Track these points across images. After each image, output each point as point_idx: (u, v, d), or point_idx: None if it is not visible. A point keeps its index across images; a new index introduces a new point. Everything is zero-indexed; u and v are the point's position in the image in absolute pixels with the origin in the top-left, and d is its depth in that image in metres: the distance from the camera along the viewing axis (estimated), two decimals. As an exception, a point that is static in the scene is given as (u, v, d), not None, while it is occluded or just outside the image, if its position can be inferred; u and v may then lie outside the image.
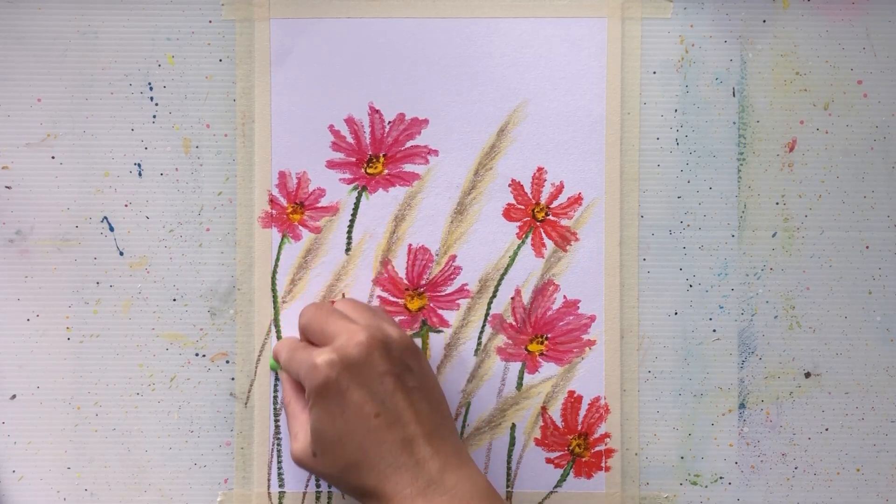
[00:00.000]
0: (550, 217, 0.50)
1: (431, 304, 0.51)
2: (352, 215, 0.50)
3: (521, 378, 0.50)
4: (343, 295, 0.50)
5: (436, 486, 0.42)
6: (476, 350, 0.50)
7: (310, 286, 0.50)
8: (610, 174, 0.50)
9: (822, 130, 0.51)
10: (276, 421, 0.50)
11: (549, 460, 0.50)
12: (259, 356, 0.50)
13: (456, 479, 0.42)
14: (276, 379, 0.50)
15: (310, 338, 0.46)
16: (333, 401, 0.43)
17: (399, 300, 0.51)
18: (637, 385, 0.50)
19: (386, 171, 0.50)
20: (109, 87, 0.50)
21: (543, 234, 0.50)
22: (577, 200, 0.50)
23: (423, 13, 0.50)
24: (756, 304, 0.51)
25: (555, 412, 0.50)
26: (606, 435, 0.50)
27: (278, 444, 0.50)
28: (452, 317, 0.50)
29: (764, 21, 0.51)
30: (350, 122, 0.50)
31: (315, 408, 0.43)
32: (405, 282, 0.51)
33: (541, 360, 0.50)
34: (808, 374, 0.51)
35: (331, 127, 0.50)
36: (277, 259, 0.50)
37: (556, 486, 0.50)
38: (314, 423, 0.43)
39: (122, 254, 0.50)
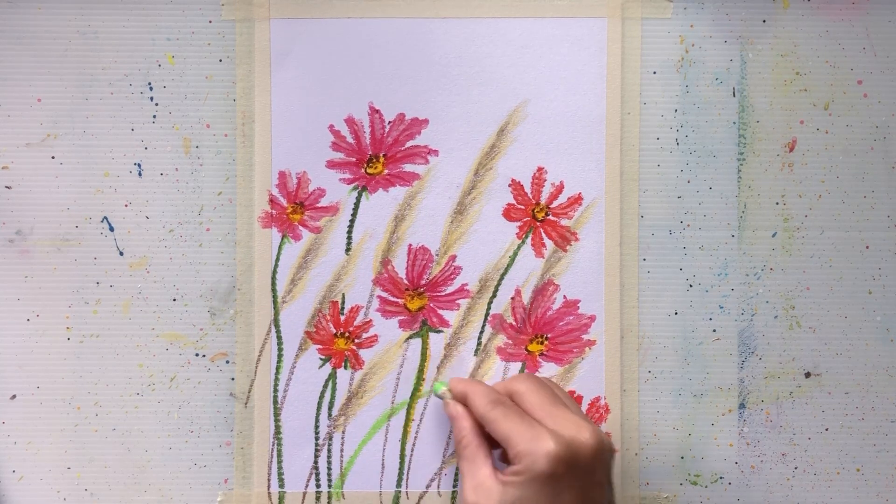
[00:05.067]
0: (550, 217, 0.50)
1: (431, 304, 0.51)
2: (352, 215, 0.50)
3: (521, 378, 0.50)
4: (343, 295, 0.50)
5: None
6: (476, 350, 0.50)
7: (310, 286, 0.50)
8: (610, 174, 0.50)
9: (822, 130, 0.51)
10: (277, 421, 0.50)
11: (549, 460, 0.50)
12: (259, 356, 0.50)
13: None
14: (275, 376, 0.50)
15: (520, 401, 0.44)
16: (546, 493, 0.41)
17: (399, 300, 0.51)
18: (637, 385, 0.50)
19: (386, 171, 0.50)
20: (109, 87, 0.50)
21: (543, 234, 0.50)
22: (577, 200, 0.50)
23: (423, 13, 0.50)
24: (756, 304, 0.51)
25: (555, 412, 0.50)
26: (606, 435, 0.50)
27: (278, 444, 0.50)
28: (452, 317, 0.50)
29: (764, 21, 0.51)
30: (350, 122, 0.50)
31: (522, 488, 0.41)
32: (405, 282, 0.51)
33: (541, 360, 0.50)
34: (808, 374, 0.51)
35: (331, 127, 0.50)
36: (277, 259, 0.50)
37: (556, 486, 0.50)
38: (511, 499, 0.41)
39: (122, 254, 0.50)
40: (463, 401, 0.46)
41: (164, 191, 0.50)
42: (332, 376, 0.50)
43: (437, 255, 0.50)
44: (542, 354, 0.50)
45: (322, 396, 0.50)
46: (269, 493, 0.50)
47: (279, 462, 0.50)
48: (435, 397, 0.50)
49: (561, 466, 0.40)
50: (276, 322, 0.50)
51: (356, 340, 0.50)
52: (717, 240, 0.51)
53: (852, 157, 0.51)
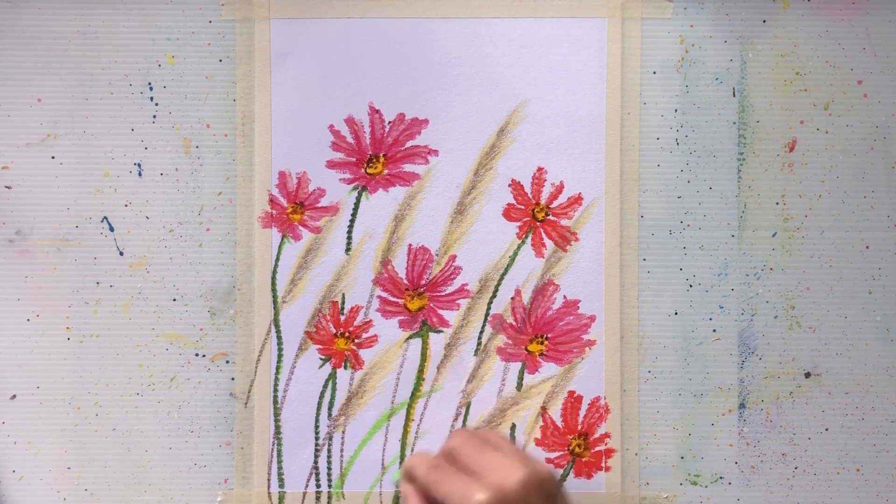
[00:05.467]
0: (550, 217, 0.50)
1: (431, 304, 0.51)
2: (352, 215, 0.50)
3: (521, 378, 0.50)
4: (343, 295, 0.50)
5: None
6: (476, 350, 0.50)
7: (310, 286, 0.50)
8: (610, 174, 0.50)
9: (822, 130, 0.51)
10: (277, 421, 0.50)
11: (549, 460, 0.50)
12: (259, 356, 0.50)
13: None
14: (275, 376, 0.50)
15: (456, 461, 0.45)
16: None
17: (399, 300, 0.51)
18: (637, 385, 0.50)
19: (386, 171, 0.50)
20: (109, 87, 0.50)
21: (543, 234, 0.50)
22: (577, 200, 0.50)
23: (423, 13, 0.50)
24: (756, 304, 0.51)
25: (555, 412, 0.50)
26: (606, 435, 0.50)
27: (278, 444, 0.50)
28: (452, 317, 0.50)
29: (764, 21, 0.51)
30: (350, 122, 0.50)
31: None
32: (405, 282, 0.51)
33: (541, 360, 0.50)
34: (808, 374, 0.51)
35: (331, 127, 0.50)
36: (277, 259, 0.50)
37: (556, 486, 0.50)
38: None
39: (122, 254, 0.50)
40: (410, 477, 0.46)
41: (164, 191, 0.50)
42: (332, 376, 0.50)
43: (437, 255, 0.50)
44: (542, 354, 0.50)
45: (322, 396, 0.50)
46: (269, 493, 0.50)
47: (279, 462, 0.50)
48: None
49: None
50: (276, 322, 0.50)
51: (356, 340, 0.50)
52: (717, 240, 0.51)
53: (852, 157, 0.51)
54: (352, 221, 0.50)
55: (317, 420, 0.50)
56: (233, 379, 0.50)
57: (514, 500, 0.41)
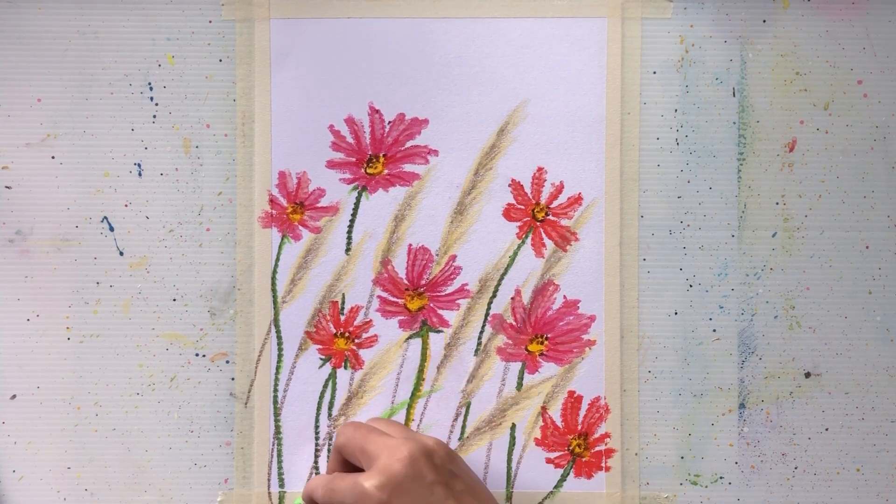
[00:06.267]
0: (550, 217, 0.50)
1: (431, 304, 0.51)
2: (352, 215, 0.50)
3: (521, 378, 0.50)
4: (343, 295, 0.50)
5: None
6: (476, 350, 0.50)
7: (310, 286, 0.50)
8: (610, 174, 0.50)
9: (822, 130, 0.51)
10: (277, 421, 0.50)
11: (549, 460, 0.50)
12: (259, 356, 0.50)
13: None
14: (275, 376, 0.50)
15: (348, 458, 0.46)
16: None
17: (399, 300, 0.51)
18: (637, 385, 0.50)
19: (386, 171, 0.50)
20: (109, 87, 0.50)
21: (543, 234, 0.50)
22: (577, 200, 0.50)
23: (423, 13, 0.50)
24: (756, 304, 0.51)
25: (555, 412, 0.50)
26: (606, 435, 0.50)
27: (278, 444, 0.50)
28: (452, 317, 0.50)
29: (764, 21, 0.51)
30: (350, 122, 0.50)
31: None
32: (405, 282, 0.51)
33: (541, 360, 0.50)
34: (808, 374, 0.51)
35: (331, 127, 0.50)
36: (277, 259, 0.50)
37: (556, 486, 0.50)
38: None
39: (122, 254, 0.50)
40: (310, 499, 0.46)
41: (164, 191, 0.50)
42: (332, 376, 0.50)
43: (437, 255, 0.50)
44: (542, 354, 0.50)
45: (322, 396, 0.50)
46: (269, 493, 0.50)
47: (279, 462, 0.50)
48: None
49: (384, 494, 0.42)
50: (276, 322, 0.50)
51: (356, 340, 0.50)
52: (717, 240, 0.51)
53: (852, 157, 0.51)
54: (352, 221, 0.50)
55: (317, 420, 0.50)
56: (233, 379, 0.50)
57: (403, 477, 0.42)
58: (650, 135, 0.50)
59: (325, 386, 0.50)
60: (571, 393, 0.50)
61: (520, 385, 0.50)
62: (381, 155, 0.50)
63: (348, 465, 0.46)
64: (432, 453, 0.44)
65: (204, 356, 0.50)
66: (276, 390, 0.50)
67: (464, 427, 0.50)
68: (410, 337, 0.51)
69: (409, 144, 0.50)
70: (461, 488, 0.44)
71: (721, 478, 0.51)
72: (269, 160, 0.50)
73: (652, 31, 0.50)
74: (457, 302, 0.50)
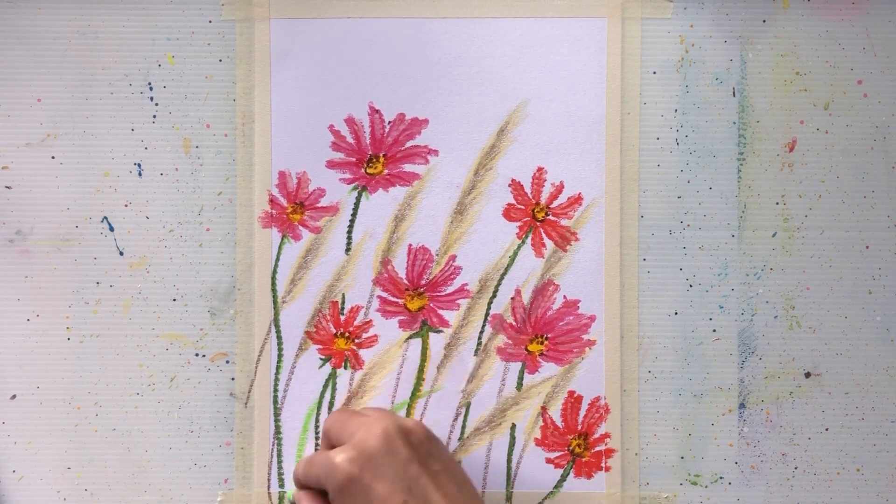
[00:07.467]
0: (550, 217, 0.50)
1: (431, 304, 0.51)
2: (352, 215, 0.50)
3: (521, 378, 0.50)
4: (343, 295, 0.50)
5: None
6: (476, 350, 0.50)
7: (310, 286, 0.50)
8: (610, 174, 0.50)
9: (822, 130, 0.51)
10: (277, 421, 0.50)
11: (549, 460, 0.50)
12: (259, 356, 0.50)
13: None
14: (275, 376, 0.50)
15: (332, 442, 0.46)
16: (359, 497, 0.42)
17: (399, 300, 0.51)
18: (637, 385, 0.50)
19: (386, 171, 0.51)
20: (109, 87, 0.50)
21: (543, 234, 0.50)
22: (577, 200, 0.50)
23: (423, 13, 0.50)
24: (756, 304, 0.51)
25: (555, 412, 0.50)
26: (606, 435, 0.50)
27: (278, 444, 0.50)
28: (452, 317, 0.50)
29: (764, 21, 0.51)
30: (350, 121, 0.50)
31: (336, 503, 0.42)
32: (405, 282, 0.51)
33: (541, 360, 0.50)
34: (808, 374, 0.51)
35: (331, 127, 0.50)
36: (277, 259, 0.50)
37: (556, 486, 0.50)
38: None
39: (122, 254, 0.50)
40: (297, 482, 0.46)
41: (164, 191, 0.50)
42: (332, 376, 0.50)
43: (437, 255, 0.50)
44: (542, 354, 0.50)
45: (322, 396, 0.50)
46: (269, 493, 0.50)
47: (279, 462, 0.50)
48: None
49: (354, 468, 0.42)
50: (276, 322, 0.50)
51: (356, 340, 0.50)
52: (717, 240, 0.51)
53: (852, 157, 0.51)
54: (352, 221, 0.50)
55: (317, 420, 0.50)
56: (233, 379, 0.50)
57: (376, 452, 0.42)
58: (650, 135, 0.50)
59: (325, 386, 0.50)
60: (571, 393, 0.50)
61: (520, 385, 0.50)
62: (381, 155, 0.50)
63: None
64: (410, 432, 0.44)
65: (204, 356, 0.50)
66: (276, 390, 0.50)
67: (464, 427, 0.50)
68: (410, 337, 0.51)
69: (409, 144, 0.50)
70: (438, 468, 0.43)
71: (721, 478, 0.51)
72: (269, 160, 0.50)
73: (652, 31, 0.50)
74: (457, 302, 0.50)
